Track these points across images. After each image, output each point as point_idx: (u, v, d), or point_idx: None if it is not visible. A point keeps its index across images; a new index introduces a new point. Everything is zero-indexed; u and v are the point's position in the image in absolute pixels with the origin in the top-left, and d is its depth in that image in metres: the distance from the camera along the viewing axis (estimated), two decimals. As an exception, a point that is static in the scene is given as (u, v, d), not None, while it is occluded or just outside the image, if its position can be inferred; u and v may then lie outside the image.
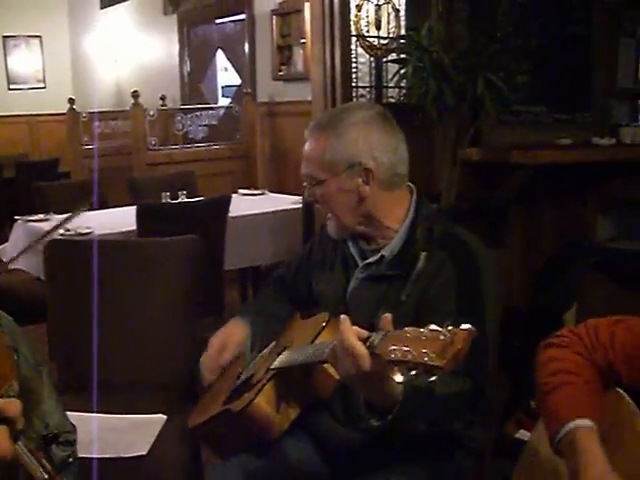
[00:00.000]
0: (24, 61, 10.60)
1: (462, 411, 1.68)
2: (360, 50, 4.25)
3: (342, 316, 1.42)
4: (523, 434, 2.58)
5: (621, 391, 1.47)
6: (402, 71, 3.65)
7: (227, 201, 4.20)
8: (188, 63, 8.23)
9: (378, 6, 4.29)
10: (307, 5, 5.33)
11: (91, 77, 10.02)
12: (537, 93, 4.08)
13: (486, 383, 1.66)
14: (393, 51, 4.13)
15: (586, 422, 1.39)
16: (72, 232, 3.93)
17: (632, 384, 1.46)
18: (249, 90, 6.86)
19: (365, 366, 1.34)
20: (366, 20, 4.24)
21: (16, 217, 4.48)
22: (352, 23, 4.16)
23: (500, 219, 3.87)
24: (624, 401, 1.45)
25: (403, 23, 4.35)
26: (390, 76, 4.13)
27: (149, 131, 6.38)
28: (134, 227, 3.91)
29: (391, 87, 4.33)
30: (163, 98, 7.62)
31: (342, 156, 1.73)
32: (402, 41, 3.96)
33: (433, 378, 1.21)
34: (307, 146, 1.80)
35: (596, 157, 3.91)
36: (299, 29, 6.16)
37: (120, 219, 4.21)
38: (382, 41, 4.31)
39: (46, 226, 4.20)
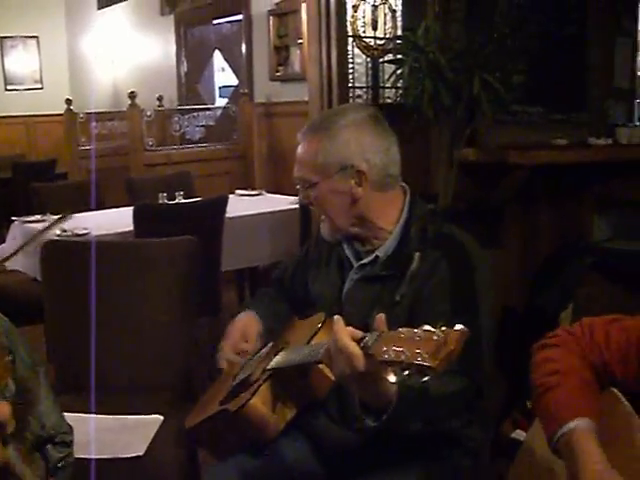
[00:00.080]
0: (21, 62, 10.60)
1: (458, 410, 1.69)
2: (357, 51, 4.25)
3: (336, 317, 1.43)
4: (519, 434, 2.58)
5: (616, 391, 1.47)
6: (398, 71, 3.65)
7: (224, 202, 4.20)
8: (185, 64, 8.23)
9: (374, 6, 4.29)
10: (304, 5, 5.33)
11: (88, 78, 10.02)
12: (533, 93, 4.08)
13: (483, 382, 1.67)
14: (389, 52, 4.13)
15: (584, 421, 1.39)
16: (69, 233, 3.92)
17: (627, 384, 1.46)
18: (246, 90, 6.86)
19: (359, 366, 1.35)
20: (362, 20, 4.24)
21: (13, 218, 4.48)
22: (348, 23, 4.16)
23: (497, 219, 3.88)
24: (619, 401, 1.45)
25: (400, 24, 4.35)
26: (387, 76, 4.13)
27: (146, 132, 6.39)
28: (131, 228, 3.90)
29: (388, 87, 4.32)
30: (160, 99, 7.61)
31: (334, 158, 1.74)
32: (398, 42, 3.97)
33: (426, 378, 1.21)
34: (300, 149, 1.81)
35: (593, 157, 3.91)
36: (296, 29, 6.17)
37: (117, 220, 4.21)
38: (378, 41, 4.31)
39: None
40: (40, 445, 1.53)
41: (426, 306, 1.66)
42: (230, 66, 8.32)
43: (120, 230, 3.99)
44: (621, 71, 4.39)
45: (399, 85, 3.88)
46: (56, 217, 4.39)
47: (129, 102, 6.36)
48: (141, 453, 2.10)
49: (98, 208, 4.74)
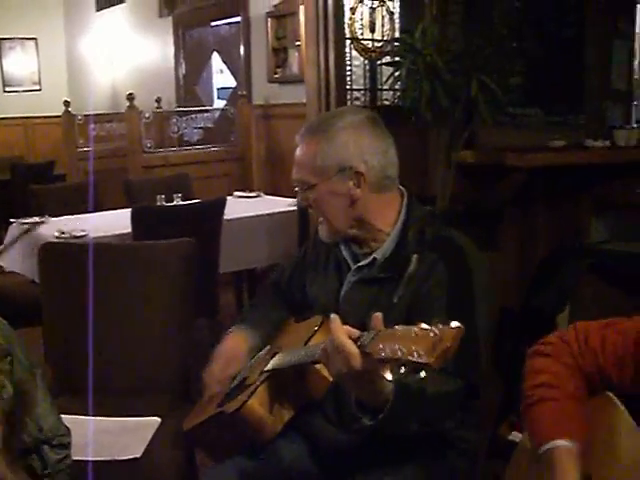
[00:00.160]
0: (19, 63, 10.61)
1: (454, 411, 1.69)
2: (354, 53, 4.27)
3: (332, 315, 1.44)
4: (516, 436, 2.58)
5: (611, 394, 1.47)
6: (396, 74, 3.66)
7: (222, 203, 4.20)
8: (183, 65, 8.23)
9: (372, 9, 4.30)
10: (302, 8, 5.33)
11: (86, 79, 10.02)
12: (531, 95, 4.09)
13: (480, 383, 1.67)
14: (387, 54, 4.14)
15: (564, 443, 1.41)
16: (67, 235, 3.92)
17: (623, 387, 1.47)
18: (244, 92, 6.86)
19: (356, 365, 1.36)
20: (360, 23, 4.26)
21: (11, 220, 4.48)
22: (346, 26, 4.18)
23: (494, 221, 3.88)
24: (613, 404, 1.46)
25: (397, 26, 4.36)
26: (384, 79, 4.14)
27: (144, 134, 6.38)
28: (129, 230, 3.90)
29: (385, 90, 4.34)
30: (158, 100, 7.63)
31: (333, 160, 1.74)
32: (396, 44, 3.98)
33: (422, 375, 1.22)
34: (298, 151, 1.81)
35: (590, 159, 3.92)
36: (294, 31, 6.17)
37: (115, 222, 4.21)
38: (376, 44, 4.33)
39: (42, 229, 4.20)
40: (37, 447, 1.53)
41: (423, 308, 1.66)
42: (228, 68, 8.32)
43: (118, 232, 3.99)
44: (618, 73, 4.39)
45: (397, 87, 3.89)
46: (56, 219, 4.40)
47: (127, 104, 6.36)
48: (138, 455, 2.10)
49: (96, 210, 4.74)
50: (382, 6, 4.33)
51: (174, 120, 6.74)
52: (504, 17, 3.92)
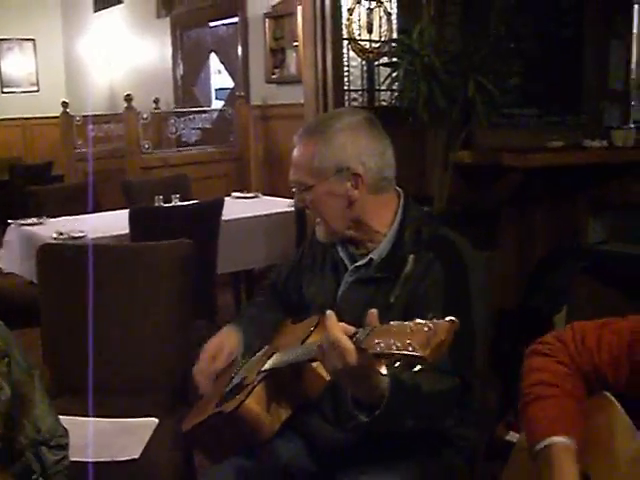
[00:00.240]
0: (17, 64, 10.60)
1: (450, 408, 1.70)
2: (352, 53, 4.27)
3: (328, 312, 1.45)
4: (513, 436, 2.59)
5: (608, 394, 1.48)
6: (394, 74, 3.66)
7: (220, 204, 4.20)
8: (181, 66, 8.23)
9: (370, 9, 4.30)
10: (300, 8, 5.34)
11: (84, 80, 10.02)
12: (528, 96, 4.10)
13: (474, 381, 1.68)
14: (385, 54, 4.14)
15: (563, 440, 1.41)
16: (65, 236, 3.92)
17: (619, 387, 1.47)
18: (242, 93, 6.86)
19: (351, 360, 1.36)
20: (358, 23, 4.26)
21: (9, 221, 4.47)
22: (344, 26, 4.18)
23: (492, 222, 3.89)
24: (610, 403, 1.46)
25: (395, 26, 4.37)
26: (382, 79, 4.15)
27: (142, 134, 6.38)
28: (127, 231, 3.90)
29: (383, 90, 4.34)
30: (156, 101, 7.63)
31: (330, 161, 1.75)
32: (393, 44, 3.98)
33: (417, 368, 1.24)
34: (295, 152, 1.82)
35: (588, 159, 3.93)
36: (292, 32, 6.17)
37: (113, 223, 4.21)
38: (374, 44, 4.33)
39: (39, 230, 4.19)
40: (35, 448, 1.53)
41: (420, 307, 1.67)
42: (226, 68, 8.32)
43: (116, 233, 3.99)
44: (616, 73, 4.40)
45: (394, 88, 3.89)
46: (54, 220, 4.40)
47: (125, 105, 6.36)
48: (137, 456, 2.10)
49: (94, 211, 4.74)
50: (379, 7, 4.34)
51: (172, 121, 6.74)
52: (501, 18, 3.92)
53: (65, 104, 6.85)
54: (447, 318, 1.24)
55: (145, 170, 6.23)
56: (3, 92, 10.50)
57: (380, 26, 4.34)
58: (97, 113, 7.45)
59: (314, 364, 1.63)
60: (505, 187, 3.91)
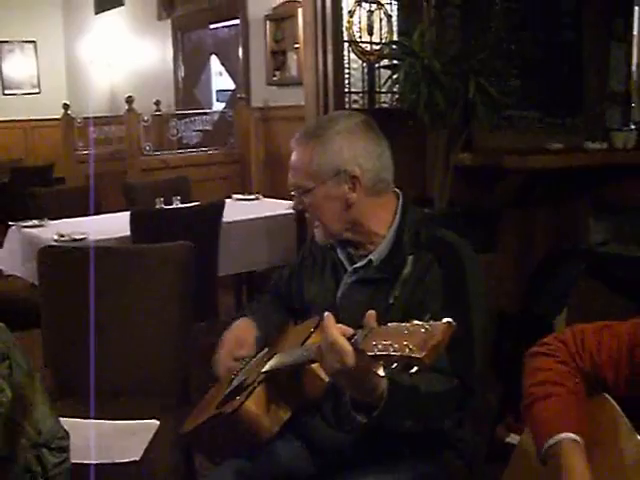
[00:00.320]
0: (19, 66, 10.62)
1: (449, 410, 1.70)
2: (352, 56, 4.27)
3: (326, 313, 1.45)
4: (513, 438, 2.59)
5: (607, 396, 1.48)
6: (394, 76, 3.67)
7: (221, 206, 4.21)
8: (182, 68, 8.24)
9: (370, 12, 4.30)
10: (300, 10, 5.34)
11: (85, 82, 10.03)
12: (529, 98, 4.10)
13: (474, 382, 1.68)
14: (385, 57, 4.14)
15: (571, 436, 1.41)
16: (66, 238, 3.92)
17: (618, 389, 1.47)
18: (243, 95, 6.87)
19: (349, 361, 1.37)
20: (358, 26, 4.26)
21: (10, 223, 4.48)
22: (344, 29, 4.18)
23: (493, 224, 3.89)
24: (610, 405, 1.47)
25: (395, 29, 4.37)
26: (382, 81, 4.15)
27: (143, 136, 6.39)
28: (128, 233, 3.91)
29: (383, 92, 4.35)
30: (157, 103, 7.63)
31: (328, 164, 1.76)
32: (394, 47, 3.98)
33: (414, 370, 1.24)
34: (293, 156, 1.83)
35: (588, 162, 3.93)
36: (293, 34, 6.17)
37: (114, 225, 4.21)
38: (374, 47, 4.33)
39: (40, 232, 4.20)
40: (36, 450, 1.54)
41: (419, 308, 1.67)
42: (227, 70, 8.33)
43: (117, 235, 3.99)
44: (616, 75, 4.40)
45: (395, 90, 3.89)
46: (55, 222, 4.40)
47: (126, 107, 6.37)
48: (137, 458, 2.10)
49: (95, 213, 4.74)
50: (380, 9, 4.34)
51: (173, 123, 6.75)
52: (501, 20, 3.93)
53: (66, 106, 6.85)
54: (444, 320, 1.25)
55: (146, 172, 6.23)
56: (4, 94, 10.51)
57: (380, 28, 4.34)
58: (98, 115, 7.46)
59: (314, 366, 1.63)
60: (506, 189, 3.91)
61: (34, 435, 1.54)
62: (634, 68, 4.41)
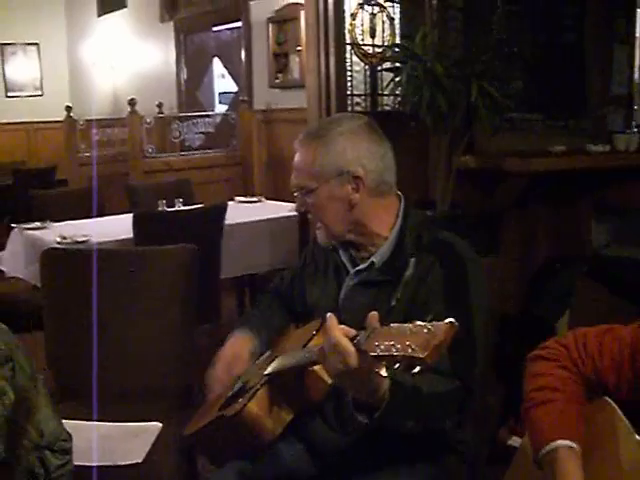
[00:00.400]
0: (21, 68, 10.64)
1: (450, 411, 1.70)
2: (355, 58, 4.27)
3: (328, 314, 1.46)
4: (515, 441, 2.59)
5: (608, 399, 1.48)
6: (396, 79, 3.67)
7: (223, 209, 4.21)
8: (185, 70, 8.25)
9: (373, 14, 4.31)
10: (303, 13, 5.35)
11: (88, 85, 10.05)
12: (532, 100, 4.10)
13: (475, 384, 1.69)
14: (388, 59, 4.14)
15: (568, 443, 1.41)
16: (69, 240, 3.93)
17: (620, 393, 1.47)
18: (246, 98, 6.88)
19: (352, 362, 1.38)
20: (361, 28, 4.26)
21: (13, 225, 4.48)
22: (347, 31, 4.19)
23: (495, 226, 3.89)
24: (611, 408, 1.47)
25: (398, 31, 4.37)
26: (385, 84, 4.15)
27: (146, 139, 6.40)
28: (130, 235, 3.91)
29: (386, 95, 4.35)
30: (160, 105, 7.63)
31: (331, 165, 1.77)
32: (396, 49, 3.98)
33: (416, 370, 1.25)
34: (297, 157, 1.84)
35: (590, 164, 3.93)
36: (295, 37, 6.19)
37: (117, 227, 4.21)
38: (376, 49, 4.33)
39: (43, 234, 4.20)
40: (39, 452, 1.54)
41: (421, 309, 1.68)
42: (229, 73, 8.34)
43: (120, 237, 3.99)
44: (619, 78, 4.40)
45: (397, 93, 3.89)
46: (57, 224, 4.41)
47: (129, 109, 6.38)
48: (140, 460, 2.10)
49: (98, 215, 4.75)
50: (382, 12, 4.34)
51: (175, 125, 6.76)
52: (503, 22, 3.93)
53: (69, 108, 6.86)
54: (446, 320, 1.25)
55: (148, 174, 6.24)
56: (7, 96, 10.53)
57: (383, 31, 4.35)
58: (101, 117, 7.48)
59: (316, 368, 1.64)
60: (508, 192, 3.91)
61: (37, 437, 1.54)
62: (637, 70, 4.41)
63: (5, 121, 10.11)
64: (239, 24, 7.15)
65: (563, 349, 1.55)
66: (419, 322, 1.27)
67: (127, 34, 9.07)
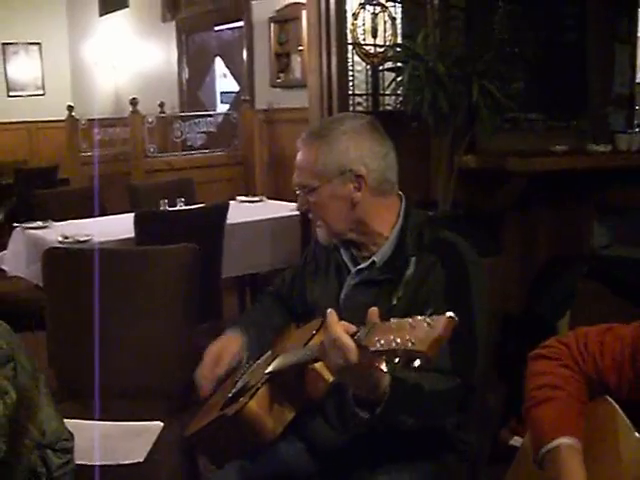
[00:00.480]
0: (23, 68, 10.65)
1: (451, 408, 1.70)
2: (356, 58, 4.27)
3: (329, 310, 1.46)
4: (517, 441, 2.59)
5: (609, 398, 1.48)
6: (398, 79, 3.67)
7: (225, 208, 4.21)
8: (186, 70, 8.26)
9: (374, 14, 4.31)
10: (304, 13, 5.35)
11: (90, 84, 10.06)
12: (533, 100, 4.10)
13: (476, 382, 1.69)
14: (389, 59, 4.14)
15: (569, 440, 1.41)
16: (71, 239, 3.93)
17: (621, 393, 1.47)
18: (247, 97, 6.88)
19: (352, 358, 1.38)
20: (362, 28, 4.26)
21: (15, 224, 4.48)
22: (348, 31, 4.19)
23: (496, 226, 3.89)
24: (611, 407, 1.47)
25: (399, 31, 4.37)
26: (386, 84, 4.15)
27: (148, 138, 6.41)
28: (132, 234, 3.91)
29: (387, 95, 4.35)
30: (162, 105, 7.65)
31: (334, 164, 1.77)
32: (398, 49, 3.98)
33: (417, 363, 1.25)
34: (299, 155, 1.85)
35: (592, 164, 3.92)
36: (297, 36, 6.19)
37: (118, 226, 4.21)
38: (378, 49, 4.33)
39: (45, 234, 4.21)
40: (41, 451, 1.54)
41: (422, 308, 1.67)
42: (231, 73, 8.34)
43: (121, 237, 4.00)
44: (621, 78, 4.40)
45: (399, 92, 3.89)
46: (59, 224, 4.41)
47: (131, 108, 6.39)
48: (141, 459, 2.11)
49: (100, 214, 4.75)
50: (384, 12, 4.34)
51: (177, 125, 6.76)
52: (505, 22, 3.93)
53: (70, 108, 6.87)
54: (446, 314, 1.26)
55: (150, 174, 6.24)
56: (9, 96, 10.54)
57: (385, 31, 4.35)
58: (102, 117, 7.48)
59: (317, 365, 1.64)
60: (509, 191, 3.91)
61: (38, 436, 1.55)
62: (638, 70, 4.41)
63: (7, 120, 10.12)
64: (241, 24, 7.16)
65: (564, 348, 1.55)
66: (419, 316, 1.28)
67: (129, 34, 9.07)
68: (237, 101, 7.74)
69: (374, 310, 1.39)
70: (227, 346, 1.97)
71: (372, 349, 1.32)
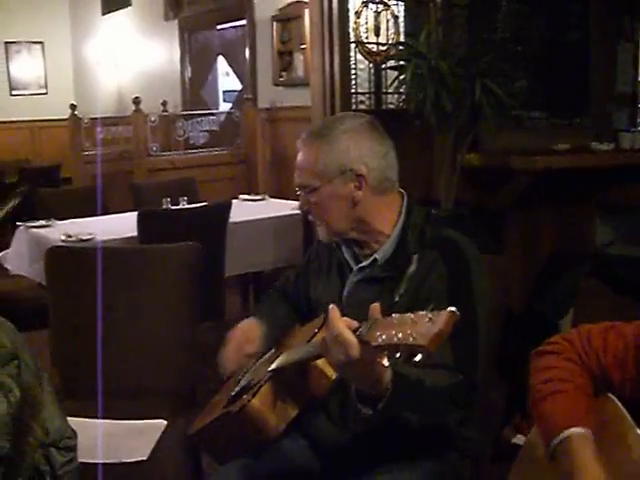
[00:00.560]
0: (26, 67, 10.66)
1: (453, 405, 1.70)
2: (359, 56, 4.27)
3: (331, 305, 1.46)
4: (520, 439, 2.59)
5: (611, 396, 1.48)
6: (401, 77, 3.67)
7: (228, 207, 4.22)
8: (189, 69, 8.26)
9: (377, 13, 4.31)
10: (307, 11, 5.35)
11: (93, 83, 10.07)
12: (536, 98, 4.10)
13: (478, 379, 1.69)
14: (392, 57, 4.14)
15: (581, 430, 1.41)
16: (73, 238, 3.94)
17: (624, 390, 1.47)
18: (250, 96, 6.88)
19: (354, 353, 1.38)
20: (365, 26, 4.26)
21: (18, 223, 4.49)
22: (351, 29, 4.18)
23: (499, 224, 3.89)
24: (614, 405, 1.47)
25: (402, 29, 4.37)
26: (389, 82, 4.15)
27: (150, 137, 6.42)
28: (135, 233, 3.92)
29: (390, 93, 4.35)
30: (164, 104, 7.66)
31: (334, 163, 1.78)
32: (400, 48, 3.98)
33: (418, 358, 1.25)
34: (300, 156, 1.85)
35: (595, 162, 3.92)
36: (299, 35, 6.19)
37: (121, 225, 4.22)
38: (381, 47, 4.33)
39: (48, 232, 4.21)
40: (44, 450, 1.54)
41: (424, 305, 1.68)
42: (234, 71, 8.34)
43: (124, 235, 4.01)
44: (624, 76, 4.39)
45: (401, 91, 3.89)
46: (62, 222, 4.41)
47: (133, 107, 6.39)
48: (145, 457, 2.11)
49: (103, 213, 4.76)
50: (387, 10, 4.34)
51: (180, 123, 6.77)
52: (508, 21, 3.92)
53: (73, 106, 6.88)
54: (448, 309, 1.26)
55: (153, 172, 6.25)
56: (12, 94, 10.55)
57: (387, 29, 4.35)
58: (105, 115, 7.48)
59: (319, 362, 1.64)
60: (512, 190, 3.91)
61: (42, 434, 1.55)
62: (642, 69, 4.41)
63: (10, 119, 10.13)
64: (243, 22, 7.16)
65: (568, 344, 1.55)
66: (420, 312, 1.28)
67: (131, 32, 9.08)
68: (240, 100, 7.74)
69: (376, 306, 1.39)
70: (251, 330, 1.96)
71: (374, 344, 1.32)
